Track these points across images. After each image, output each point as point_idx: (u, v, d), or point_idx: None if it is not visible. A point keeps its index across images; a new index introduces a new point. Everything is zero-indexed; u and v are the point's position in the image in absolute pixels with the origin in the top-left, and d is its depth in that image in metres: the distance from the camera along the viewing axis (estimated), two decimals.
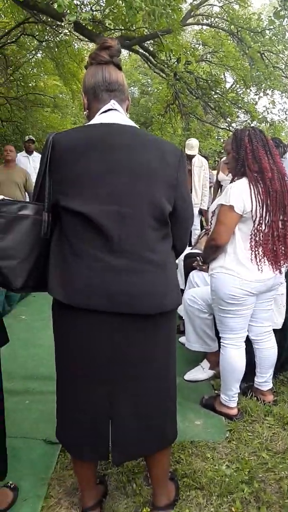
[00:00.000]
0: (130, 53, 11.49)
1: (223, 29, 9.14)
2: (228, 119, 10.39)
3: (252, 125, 8.07)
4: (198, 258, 2.55)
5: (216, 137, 11.46)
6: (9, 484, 1.64)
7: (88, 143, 1.23)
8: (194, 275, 2.76)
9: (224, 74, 11.53)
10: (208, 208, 5.03)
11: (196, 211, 5.25)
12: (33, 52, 10.15)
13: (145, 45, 8.26)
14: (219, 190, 5.12)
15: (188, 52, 7.68)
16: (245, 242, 1.98)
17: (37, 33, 8.78)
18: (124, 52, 10.95)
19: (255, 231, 1.96)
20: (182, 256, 3.08)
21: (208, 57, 10.28)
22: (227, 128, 10.31)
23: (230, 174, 2.30)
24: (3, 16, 8.48)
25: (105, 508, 1.58)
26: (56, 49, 9.28)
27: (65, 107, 12.43)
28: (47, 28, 8.20)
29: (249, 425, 2.09)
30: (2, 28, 8.80)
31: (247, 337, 2.16)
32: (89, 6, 7.77)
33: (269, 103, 9.27)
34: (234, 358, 2.10)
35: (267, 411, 2.18)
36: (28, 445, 1.93)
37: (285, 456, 1.86)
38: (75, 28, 5.43)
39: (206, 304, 2.40)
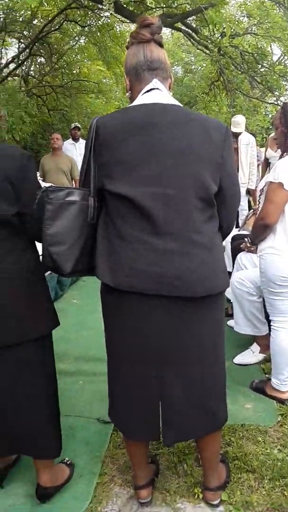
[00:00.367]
0: (173, 31, 11.21)
1: None
2: (276, 92, 9.88)
3: None
4: (246, 239, 2.48)
5: (264, 113, 10.98)
6: (65, 461, 1.72)
7: (131, 125, 1.22)
8: (242, 257, 2.70)
9: (270, 46, 10.95)
10: (256, 187, 4.87)
11: (243, 190, 5.08)
12: (76, 38, 10.18)
13: (188, 21, 8.01)
14: (267, 168, 4.91)
15: (232, 25, 7.35)
16: None
17: (79, 19, 8.78)
18: (167, 31, 10.72)
19: None
20: (229, 238, 3.02)
21: (253, 29, 9.80)
22: (275, 103, 9.82)
23: (278, 150, 2.20)
24: (46, 4, 8.54)
25: (157, 487, 1.62)
26: (98, 33, 9.25)
27: (109, 91, 12.42)
28: (89, 13, 8.17)
29: None
30: (46, 16, 8.87)
31: None
32: None
33: None
34: (285, 341, 2.04)
35: None
36: (82, 424, 2.01)
37: None
38: (116, 10, 5.36)
39: (254, 286, 2.34)
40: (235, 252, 2.86)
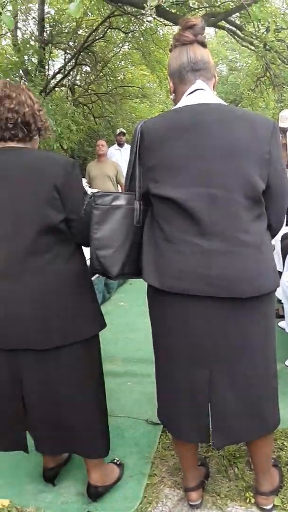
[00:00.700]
0: (216, 30, 11.08)
1: None
2: None
3: None
4: None
5: None
6: (115, 461, 1.74)
7: (175, 127, 1.23)
8: None
9: None
10: None
11: None
12: (120, 45, 10.35)
13: (231, 19, 7.89)
14: None
15: (277, 19, 7.15)
16: None
17: (122, 26, 8.93)
18: (210, 30, 10.62)
19: None
20: (278, 237, 2.92)
21: None
22: None
23: None
24: (90, 14, 8.77)
25: (207, 490, 1.60)
26: (141, 39, 9.36)
27: (153, 95, 12.51)
28: (132, 19, 8.29)
29: None
30: (90, 26, 9.11)
31: None
32: None
33: None
34: None
35: None
36: (131, 424, 2.03)
37: None
38: (158, 14, 5.40)
39: None
40: (285, 250, 2.77)
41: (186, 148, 1.21)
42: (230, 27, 8.08)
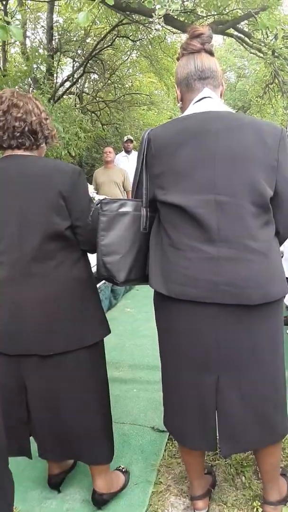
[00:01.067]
0: (225, 38, 11.15)
1: None
2: None
3: None
4: None
5: None
6: (121, 468, 1.73)
7: (183, 134, 1.23)
8: None
9: None
10: None
11: None
12: (128, 53, 10.45)
13: (240, 26, 7.93)
14: None
15: (287, 26, 7.18)
16: None
17: (130, 34, 9.01)
18: (219, 38, 10.68)
19: None
20: (287, 243, 2.91)
21: None
22: None
23: None
24: (98, 22, 8.87)
25: (214, 498, 1.58)
26: (150, 46, 9.43)
27: (161, 102, 12.58)
28: (140, 27, 8.37)
29: None
30: (98, 34, 9.21)
31: None
32: None
33: None
34: None
35: None
36: (137, 431, 2.02)
37: None
38: (167, 22, 5.44)
39: None
40: None
41: (192, 155, 1.21)
42: (239, 34, 8.12)
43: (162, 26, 3.99)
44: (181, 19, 6.58)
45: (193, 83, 1.31)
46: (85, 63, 9.04)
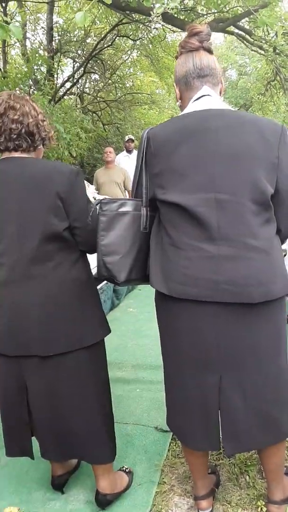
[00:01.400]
0: (226, 35, 11.12)
1: None
2: None
3: None
4: None
5: None
6: (124, 468, 1.73)
7: (182, 133, 1.22)
8: None
9: None
10: None
11: None
12: (128, 52, 10.45)
13: (240, 23, 7.91)
14: None
15: (287, 23, 7.14)
16: None
17: (130, 33, 9.01)
18: (219, 36, 10.65)
19: None
20: None
21: None
22: None
23: None
24: (98, 22, 8.86)
25: (218, 498, 1.58)
26: (150, 46, 9.43)
27: (162, 101, 12.58)
28: (140, 26, 8.36)
29: None
30: (98, 34, 9.21)
31: None
32: None
33: None
34: None
35: None
36: (140, 432, 2.01)
37: None
38: (167, 20, 5.43)
39: None
40: None
41: (193, 154, 1.20)
42: (239, 32, 8.10)
43: (161, 25, 3.99)
44: (181, 17, 6.57)
45: (192, 81, 1.31)
46: (85, 63, 9.05)
